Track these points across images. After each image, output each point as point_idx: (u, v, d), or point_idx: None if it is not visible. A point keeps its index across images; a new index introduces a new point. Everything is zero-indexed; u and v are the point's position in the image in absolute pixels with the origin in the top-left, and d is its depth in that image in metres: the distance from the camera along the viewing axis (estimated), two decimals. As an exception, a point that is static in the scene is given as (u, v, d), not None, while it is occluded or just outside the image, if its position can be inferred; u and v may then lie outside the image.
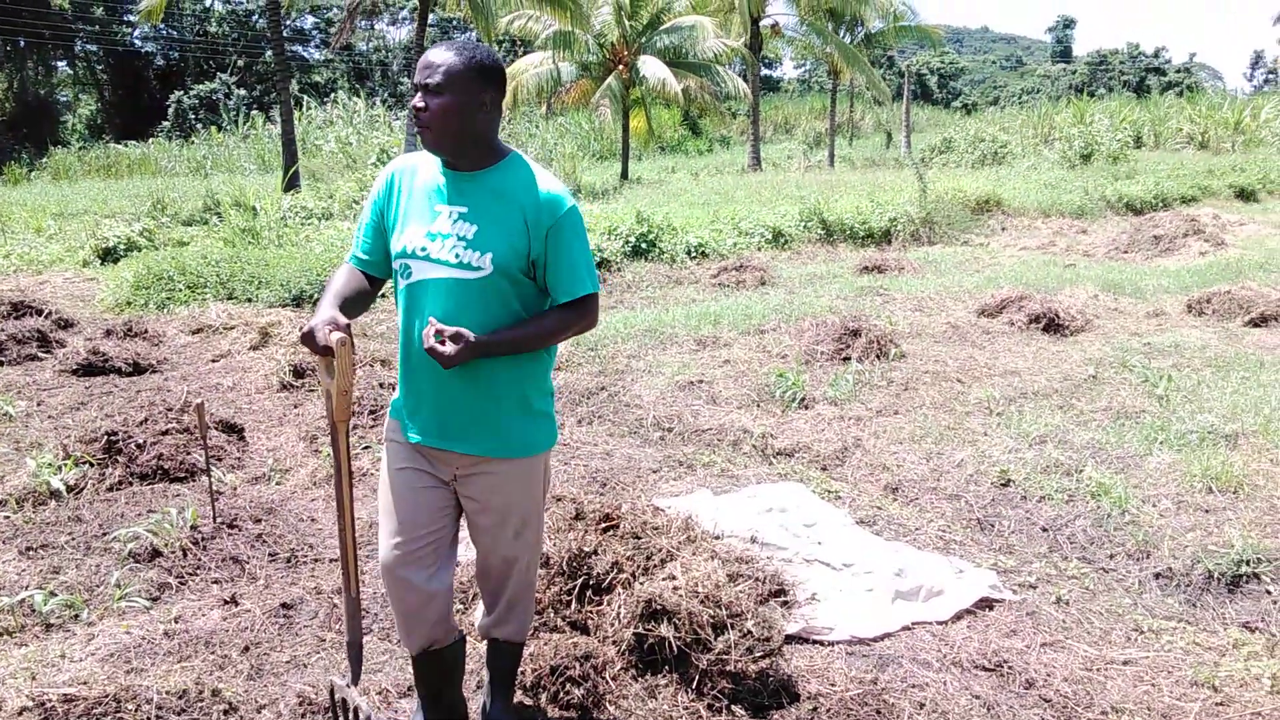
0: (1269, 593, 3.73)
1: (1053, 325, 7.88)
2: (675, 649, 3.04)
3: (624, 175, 25.96)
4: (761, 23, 29.41)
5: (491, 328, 2.40)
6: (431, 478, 2.57)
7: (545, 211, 2.41)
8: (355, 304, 2.54)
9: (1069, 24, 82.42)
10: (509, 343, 2.42)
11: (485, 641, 2.90)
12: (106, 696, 2.87)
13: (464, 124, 2.38)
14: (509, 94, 25.68)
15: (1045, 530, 4.33)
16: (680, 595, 3.12)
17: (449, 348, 2.30)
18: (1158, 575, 3.90)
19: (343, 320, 2.35)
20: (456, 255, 2.40)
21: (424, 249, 2.43)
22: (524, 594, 2.77)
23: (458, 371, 2.41)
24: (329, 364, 2.35)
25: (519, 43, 26.33)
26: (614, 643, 3.11)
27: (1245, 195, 19.02)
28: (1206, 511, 4.37)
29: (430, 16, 22.82)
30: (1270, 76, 66.06)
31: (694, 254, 12.33)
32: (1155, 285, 9.78)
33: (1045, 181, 19.41)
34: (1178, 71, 66.87)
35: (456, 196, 2.45)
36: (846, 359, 6.98)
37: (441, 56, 2.36)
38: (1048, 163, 24.71)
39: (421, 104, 2.36)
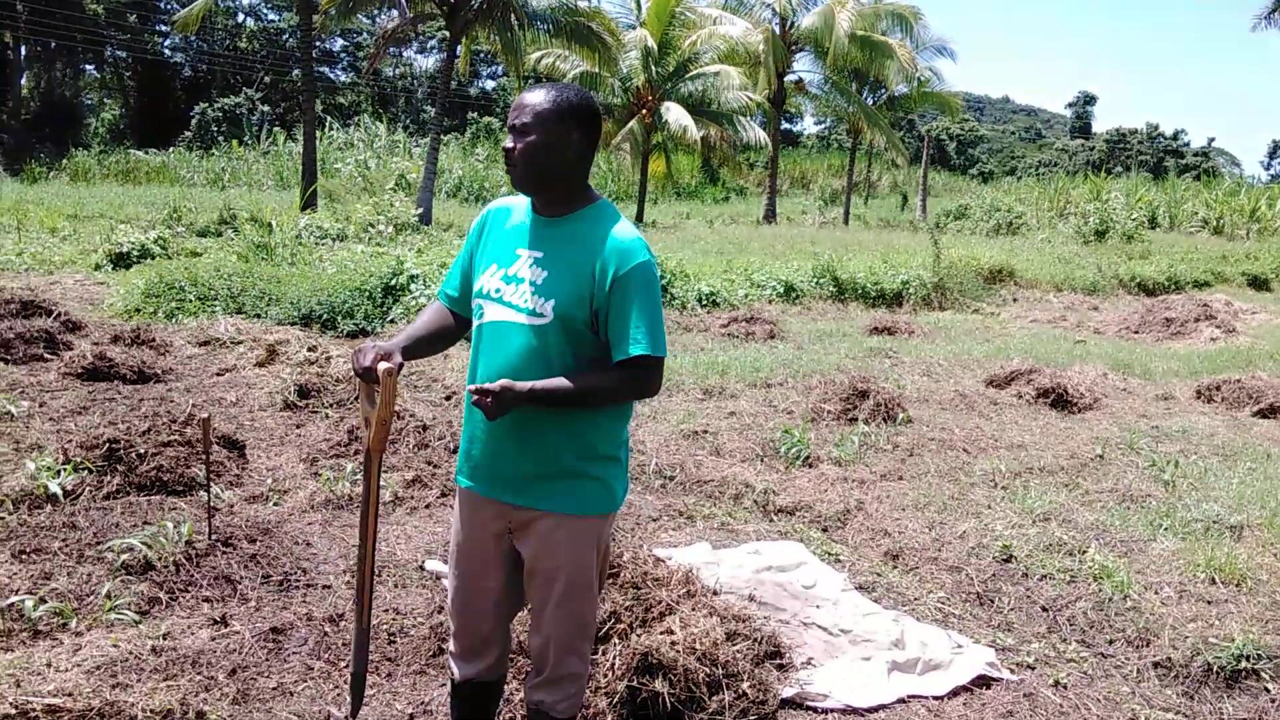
0: (1268, 690, 3.68)
1: (1061, 401, 7.86)
2: (669, 705, 3.00)
3: (639, 218, 26.12)
4: (786, 78, 29.73)
5: (546, 377, 2.37)
6: (492, 539, 2.56)
7: (615, 260, 2.36)
8: (431, 342, 2.64)
9: (1090, 100, 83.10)
10: (555, 392, 2.34)
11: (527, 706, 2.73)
12: (91, 710, 2.83)
13: (548, 164, 2.40)
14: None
15: (1045, 610, 4.28)
16: (678, 651, 3.08)
17: (490, 401, 2.29)
18: (1156, 664, 3.85)
19: (398, 359, 2.41)
20: (525, 300, 2.40)
21: (498, 290, 2.45)
22: (568, 669, 2.61)
23: (510, 419, 2.39)
24: (371, 391, 2.39)
25: (546, 80, 26.67)
26: (606, 694, 3.07)
27: (1258, 284, 19.08)
28: (1209, 603, 4.32)
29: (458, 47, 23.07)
30: (1287, 166, 66.60)
31: (705, 302, 12.35)
32: (1165, 368, 9.77)
33: (1059, 255, 19.50)
34: (1195, 155, 67.33)
35: (536, 241, 2.46)
36: (853, 420, 6.95)
37: (530, 98, 2.40)
38: (1062, 237, 24.85)
39: (510, 144, 2.40)
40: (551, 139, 2.38)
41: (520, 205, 2.56)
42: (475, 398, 2.30)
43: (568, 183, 2.44)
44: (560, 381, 2.35)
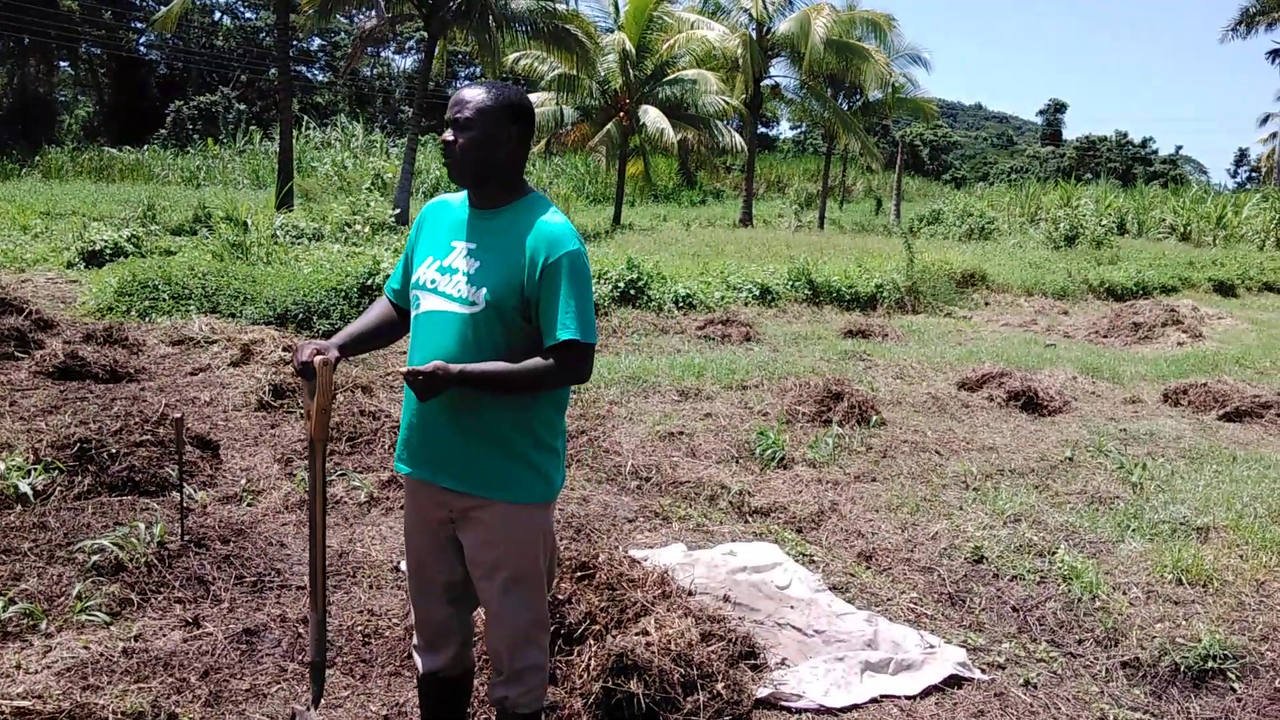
0: (1234, 690, 3.74)
1: (1031, 404, 7.94)
2: (644, 706, 3.01)
3: (616, 220, 26.12)
4: (762, 83, 29.83)
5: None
6: (437, 526, 2.61)
7: (545, 248, 2.43)
8: (373, 336, 2.73)
9: (1060, 108, 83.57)
10: (486, 376, 2.40)
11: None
12: (61, 712, 2.82)
13: (486, 158, 2.47)
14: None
15: (1016, 610, 4.33)
16: (652, 652, 3.10)
17: (421, 381, 2.37)
18: (1125, 664, 3.91)
19: (333, 353, 2.50)
20: (458, 289, 2.47)
21: (433, 281, 2.52)
22: (526, 661, 2.63)
23: (444, 403, 2.46)
24: (312, 387, 2.48)
25: (523, 81, 26.58)
26: (581, 695, 3.08)
27: (1224, 289, 19.29)
28: (1176, 603, 4.38)
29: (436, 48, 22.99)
30: (1253, 175, 67.28)
31: (681, 304, 12.38)
32: (1133, 372, 9.88)
33: (1030, 260, 19.67)
34: (1163, 162, 67.95)
35: (471, 233, 2.53)
36: (827, 422, 7.00)
37: (470, 94, 2.48)
38: (1033, 242, 25.08)
39: (450, 137, 2.47)
40: (491, 134, 2.46)
41: (457, 200, 2.64)
42: (408, 376, 2.38)
43: (504, 176, 2.52)
44: (492, 365, 2.41)
